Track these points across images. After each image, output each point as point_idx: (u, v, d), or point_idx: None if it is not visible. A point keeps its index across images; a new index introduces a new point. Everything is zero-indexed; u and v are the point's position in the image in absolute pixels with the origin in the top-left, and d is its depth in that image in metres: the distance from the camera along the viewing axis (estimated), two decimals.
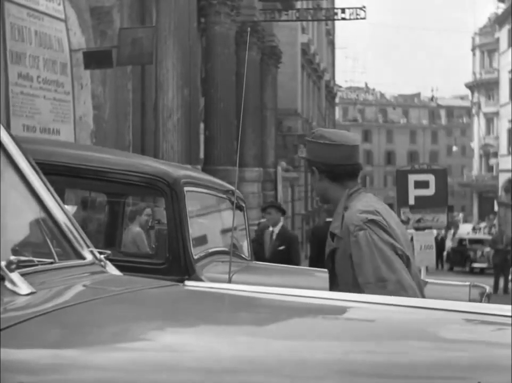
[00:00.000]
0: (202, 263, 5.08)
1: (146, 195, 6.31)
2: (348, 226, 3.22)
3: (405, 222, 9.90)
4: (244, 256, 6.05)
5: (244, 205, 6.07)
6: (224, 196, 5.75)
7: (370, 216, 3.23)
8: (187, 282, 2.32)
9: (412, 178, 9.81)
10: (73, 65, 10.24)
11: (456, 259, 33.72)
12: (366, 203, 3.34)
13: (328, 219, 14.50)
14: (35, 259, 2.10)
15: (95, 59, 10.52)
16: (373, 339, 1.70)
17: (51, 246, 2.29)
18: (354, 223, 3.22)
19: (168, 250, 4.92)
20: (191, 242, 4.94)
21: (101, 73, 11.48)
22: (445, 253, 36.98)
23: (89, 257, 2.32)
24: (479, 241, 34.02)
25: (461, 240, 35.34)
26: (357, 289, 3.15)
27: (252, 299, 2.18)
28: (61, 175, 4.60)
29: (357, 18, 24.18)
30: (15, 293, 1.89)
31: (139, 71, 13.41)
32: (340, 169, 3.40)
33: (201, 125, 17.78)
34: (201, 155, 17.71)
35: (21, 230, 2.35)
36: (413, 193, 9.79)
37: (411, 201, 9.76)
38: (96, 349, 1.66)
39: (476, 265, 31.25)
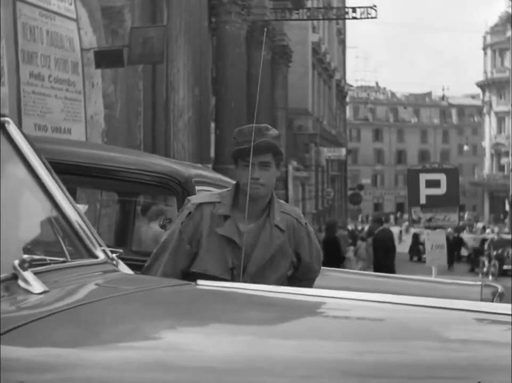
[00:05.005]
0: None
1: (157, 194, 6.31)
2: (299, 219, 3.55)
3: (416, 221, 9.88)
4: None
5: None
6: None
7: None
8: (198, 281, 2.33)
9: (423, 177, 9.77)
10: (84, 64, 10.26)
11: (477, 259, 33.04)
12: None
13: (382, 228, 15.12)
14: (47, 258, 2.11)
15: (106, 58, 10.55)
16: (381, 339, 1.70)
17: (63, 245, 2.30)
18: (302, 217, 3.60)
19: None
20: None
21: (112, 72, 11.50)
22: (465, 253, 36.30)
23: (101, 256, 2.33)
24: (505, 242, 32.96)
25: (483, 240, 34.71)
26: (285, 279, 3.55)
27: (262, 299, 2.19)
28: (73, 174, 4.61)
29: (368, 17, 24.14)
30: (28, 291, 1.90)
31: (150, 70, 13.43)
32: None
33: (212, 125, 17.79)
34: (212, 154, 17.72)
35: (34, 228, 2.37)
36: (424, 192, 9.75)
37: (422, 200, 9.72)
38: (104, 347, 1.67)
39: (505, 267, 30.43)
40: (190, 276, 3.30)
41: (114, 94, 11.65)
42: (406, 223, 42.18)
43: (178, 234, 3.42)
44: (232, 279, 3.31)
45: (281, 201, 3.66)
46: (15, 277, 1.92)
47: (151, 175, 4.83)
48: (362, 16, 24.19)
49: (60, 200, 2.32)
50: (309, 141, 34.03)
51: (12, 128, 2.30)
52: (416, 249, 35.30)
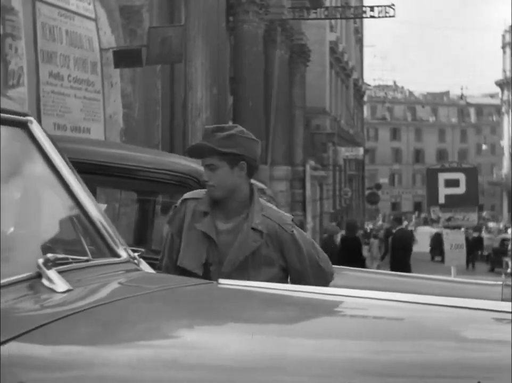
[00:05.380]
0: None
1: (177, 193, 6.32)
2: (281, 224, 3.49)
3: (435, 221, 9.86)
4: None
5: (274, 203, 6.06)
6: None
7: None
8: (220, 280, 2.34)
9: (442, 177, 9.75)
10: (103, 64, 10.30)
11: (498, 259, 32.65)
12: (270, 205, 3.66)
13: (401, 227, 15.31)
14: (70, 257, 2.13)
15: (124, 58, 10.58)
16: (399, 338, 1.71)
17: (85, 244, 2.32)
18: (288, 223, 3.53)
19: None
20: None
21: (131, 72, 11.53)
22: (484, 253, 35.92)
23: (123, 255, 2.34)
24: None
25: (503, 240, 34.40)
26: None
27: (283, 297, 2.19)
28: (92, 173, 4.63)
29: (386, 16, 24.04)
30: (52, 290, 1.92)
31: (168, 70, 13.45)
32: (256, 165, 3.56)
33: (230, 124, 17.82)
34: None
35: (57, 227, 2.39)
36: (443, 192, 9.73)
37: (441, 200, 9.70)
38: (126, 346, 1.69)
39: None
40: (178, 269, 3.45)
41: (133, 94, 11.67)
42: (405, 222, 40.93)
43: (168, 228, 3.61)
44: (207, 276, 3.32)
45: (269, 205, 3.64)
46: (39, 276, 1.94)
47: (170, 174, 4.85)
48: (380, 15, 24.09)
49: (83, 199, 2.34)
50: (327, 140, 33.96)
51: (35, 128, 2.32)
52: (439, 249, 31.79)
